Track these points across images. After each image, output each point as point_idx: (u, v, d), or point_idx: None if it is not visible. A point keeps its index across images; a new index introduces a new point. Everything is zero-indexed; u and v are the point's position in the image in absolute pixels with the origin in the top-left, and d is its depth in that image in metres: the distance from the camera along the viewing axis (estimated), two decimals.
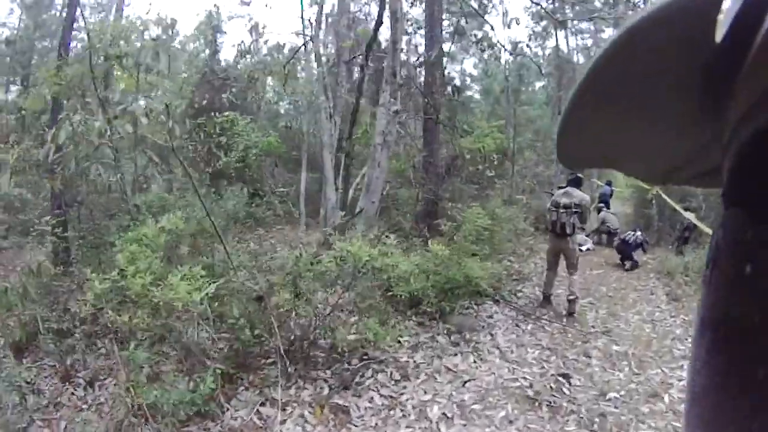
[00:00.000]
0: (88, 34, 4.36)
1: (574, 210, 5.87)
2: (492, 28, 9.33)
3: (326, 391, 4.07)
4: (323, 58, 8.49)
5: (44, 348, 3.91)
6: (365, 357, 4.48)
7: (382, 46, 8.60)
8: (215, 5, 15.67)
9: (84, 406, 3.74)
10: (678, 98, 0.24)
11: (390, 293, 4.63)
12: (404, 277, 4.19)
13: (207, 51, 12.77)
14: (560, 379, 4.35)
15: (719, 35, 0.19)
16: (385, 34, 7.60)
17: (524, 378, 4.36)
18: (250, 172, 9.23)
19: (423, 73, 8.75)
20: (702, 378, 0.21)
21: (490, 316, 6.03)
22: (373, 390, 4.13)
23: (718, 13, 0.19)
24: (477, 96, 17.74)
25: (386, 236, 3.92)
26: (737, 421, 0.19)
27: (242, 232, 7.94)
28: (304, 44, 8.63)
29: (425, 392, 4.11)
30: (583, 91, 0.25)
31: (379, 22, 6.03)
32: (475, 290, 5.69)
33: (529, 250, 8.54)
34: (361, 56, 9.19)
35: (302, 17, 8.78)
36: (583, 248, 8.92)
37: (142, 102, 3.68)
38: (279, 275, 3.95)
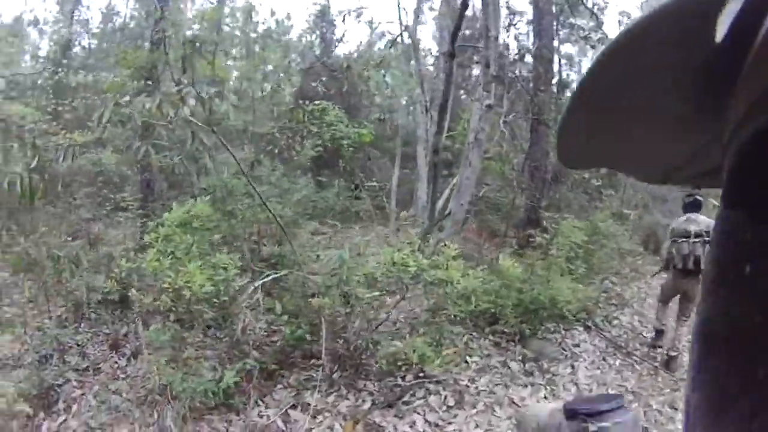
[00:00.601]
0: (158, 21, 4.44)
1: (706, 239, 4.59)
2: (596, 18, 8.20)
3: (367, 405, 3.68)
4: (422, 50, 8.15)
5: (87, 316, 4.00)
6: (421, 374, 3.99)
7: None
8: None
9: (122, 376, 3.75)
10: (678, 98, 0.24)
11: (448, 310, 4.06)
12: (465, 294, 3.61)
13: (320, 43, 13.02)
14: None
15: (719, 35, 0.19)
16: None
17: None
18: (344, 164, 9.15)
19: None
20: (702, 379, 0.21)
21: (577, 345, 5.22)
22: (419, 413, 3.65)
23: (719, 12, 0.19)
24: None
25: (445, 245, 3.38)
26: (737, 421, 0.19)
27: (325, 224, 7.84)
28: (399, 35, 8.33)
29: (477, 426, 3.53)
30: (584, 91, 0.24)
31: (464, 5, 5.46)
32: (561, 314, 4.92)
33: (635, 271, 7.39)
34: (468, 47, 8.68)
35: (399, 6, 8.50)
36: None
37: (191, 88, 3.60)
38: (324, 275, 3.60)
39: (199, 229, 3.26)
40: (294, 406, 3.58)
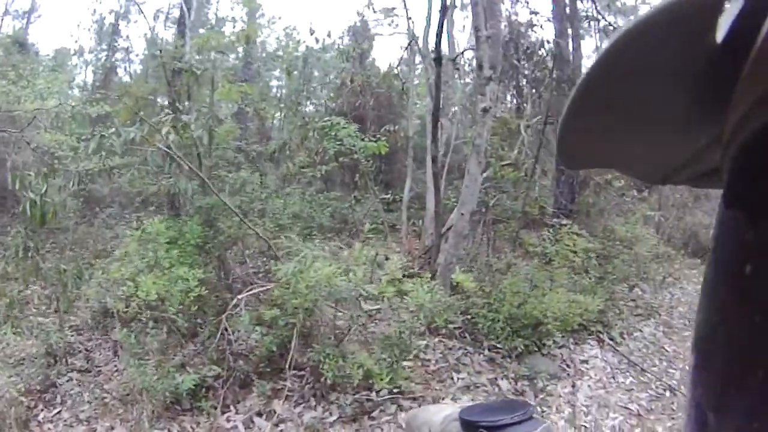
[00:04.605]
0: (160, 51, 4.85)
1: None
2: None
3: (333, 417, 3.71)
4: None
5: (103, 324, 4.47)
6: (396, 390, 3.88)
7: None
8: (358, 13, 16.00)
9: (118, 378, 4.03)
10: (679, 98, 0.24)
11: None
12: (421, 309, 3.60)
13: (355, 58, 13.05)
14: None
15: (720, 35, 0.19)
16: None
17: None
18: (358, 177, 9.17)
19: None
20: (703, 378, 0.21)
21: (585, 361, 4.94)
22: (383, 429, 3.64)
23: (720, 13, 0.19)
24: None
25: (387, 259, 3.40)
26: (737, 421, 0.19)
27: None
28: (408, 44, 8.31)
29: None
30: (584, 91, 0.24)
31: (443, 7, 5.31)
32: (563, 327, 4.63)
33: (670, 276, 6.75)
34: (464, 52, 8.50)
35: (407, 16, 8.45)
36: None
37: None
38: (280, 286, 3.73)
39: (164, 245, 3.56)
40: (260, 414, 3.73)
